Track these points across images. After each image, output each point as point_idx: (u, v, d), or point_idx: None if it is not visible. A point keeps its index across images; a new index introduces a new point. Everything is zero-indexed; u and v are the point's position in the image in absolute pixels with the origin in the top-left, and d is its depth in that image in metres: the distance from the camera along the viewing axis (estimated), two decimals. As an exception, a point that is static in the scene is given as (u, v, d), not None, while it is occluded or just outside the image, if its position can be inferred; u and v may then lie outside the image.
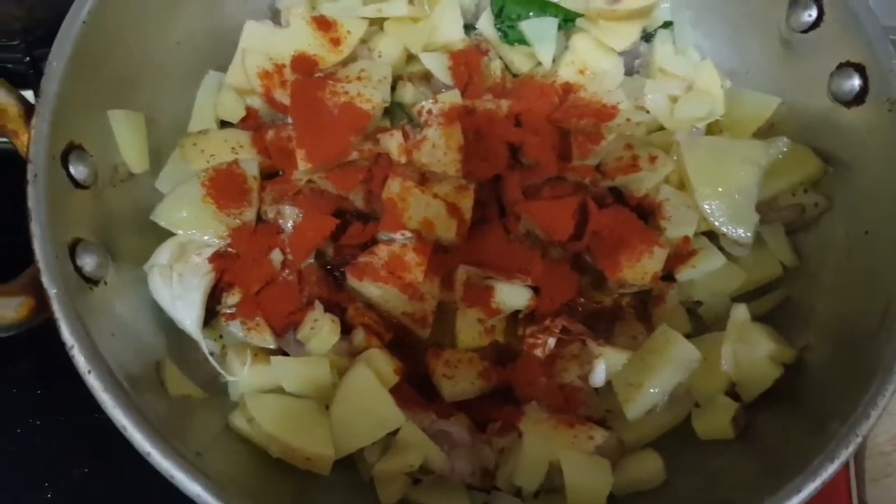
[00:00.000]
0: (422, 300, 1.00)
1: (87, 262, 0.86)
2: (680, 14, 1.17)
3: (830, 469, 0.76)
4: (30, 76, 1.20)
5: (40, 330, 0.81)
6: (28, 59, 1.21)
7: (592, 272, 1.06)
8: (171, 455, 0.74)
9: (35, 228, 0.79)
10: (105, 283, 0.88)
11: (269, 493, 0.85)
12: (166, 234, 0.98)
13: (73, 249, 0.84)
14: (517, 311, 1.03)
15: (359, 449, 0.91)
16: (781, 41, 1.08)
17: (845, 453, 0.77)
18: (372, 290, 1.00)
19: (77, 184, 0.88)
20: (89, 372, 0.76)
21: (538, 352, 1.00)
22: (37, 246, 0.79)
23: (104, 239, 0.91)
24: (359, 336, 0.98)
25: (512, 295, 1.01)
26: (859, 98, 0.97)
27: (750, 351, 0.94)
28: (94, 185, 0.91)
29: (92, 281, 0.86)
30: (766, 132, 1.09)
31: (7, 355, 1.15)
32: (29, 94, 1.14)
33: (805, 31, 1.03)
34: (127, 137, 0.97)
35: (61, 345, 0.78)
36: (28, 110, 0.87)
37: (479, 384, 0.99)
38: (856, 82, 0.97)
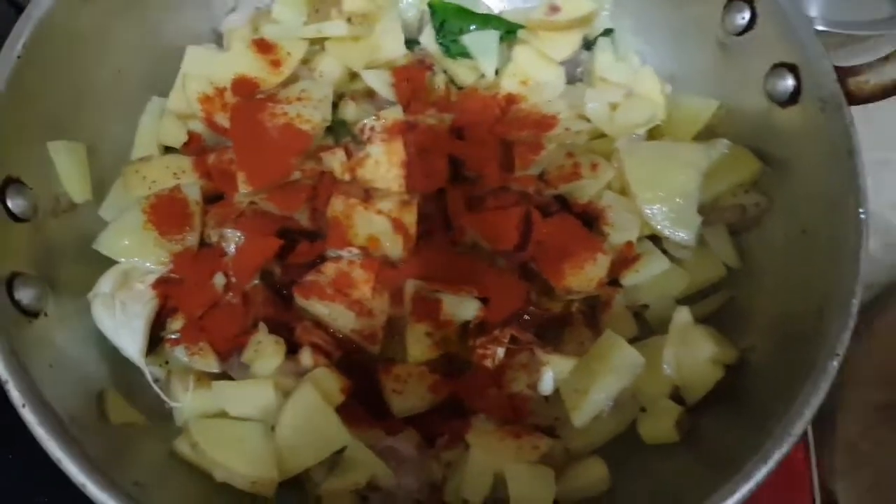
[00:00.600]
0: (370, 316, 1.01)
1: (26, 295, 0.86)
2: (620, 21, 1.18)
3: (763, 470, 0.76)
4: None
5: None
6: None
7: (540, 280, 1.06)
8: (108, 487, 0.75)
9: (-31, 264, 0.80)
10: (45, 315, 0.89)
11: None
12: (110, 263, 0.98)
13: (10, 283, 0.85)
14: (467, 323, 1.03)
15: (305, 469, 0.91)
16: (718, 44, 1.08)
17: (779, 453, 0.77)
18: (320, 308, 1.00)
19: (15, 217, 0.89)
20: (24, 406, 0.77)
21: (488, 362, 1.00)
22: (-29, 281, 0.79)
23: (45, 271, 0.91)
24: (306, 356, 0.98)
25: (460, 307, 1.02)
26: (793, 98, 0.97)
27: (692, 354, 0.95)
28: (33, 217, 0.92)
29: (31, 313, 0.86)
30: (705, 135, 1.09)
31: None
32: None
33: (740, 34, 1.04)
34: (68, 168, 0.98)
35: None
36: (-38, 146, 0.88)
37: (429, 398, 0.99)
38: (790, 82, 0.97)
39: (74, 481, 0.75)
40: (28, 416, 0.76)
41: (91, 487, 0.74)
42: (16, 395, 0.77)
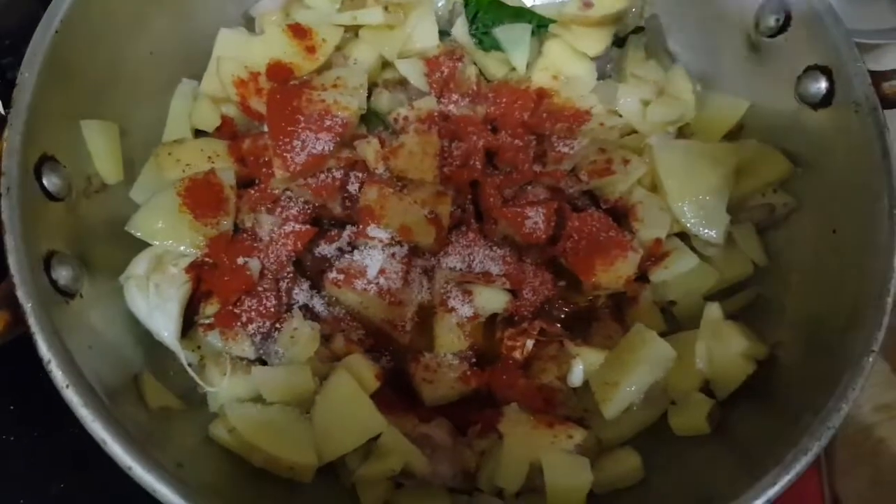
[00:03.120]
0: (401, 306, 1.01)
1: (63, 275, 0.85)
2: (651, 19, 1.19)
3: (803, 461, 0.78)
4: (-2, 86, 1.19)
5: (12, 342, 0.80)
6: (-4, 68, 1.20)
7: (567, 275, 1.07)
8: (154, 468, 0.74)
9: (9, 242, 0.78)
10: (81, 296, 0.87)
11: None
12: (141, 245, 0.97)
13: (47, 262, 0.83)
14: (495, 315, 1.04)
15: (341, 455, 0.91)
16: (750, 45, 1.10)
17: (817, 445, 0.79)
18: (350, 297, 1.00)
19: (51, 196, 0.88)
20: (67, 386, 0.76)
21: (517, 354, 1.01)
22: (11, 259, 0.78)
23: (79, 251, 0.90)
24: (338, 342, 0.98)
25: (490, 298, 1.02)
26: (826, 100, 0.99)
27: (723, 348, 0.96)
28: (67, 196, 0.91)
29: (67, 294, 0.85)
30: (735, 134, 1.11)
31: (-23, 370, 1.13)
32: (-3, 104, 1.13)
33: (773, 36, 1.05)
34: (100, 148, 0.97)
35: (35, 358, 0.77)
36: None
37: (459, 388, 0.99)
38: (822, 85, 0.99)
39: (120, 463, 0.74)
40: (72, 397, 0.75)
41: (138, 469, 0.73)
42: (59, 376, 0.76)
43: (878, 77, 0.95)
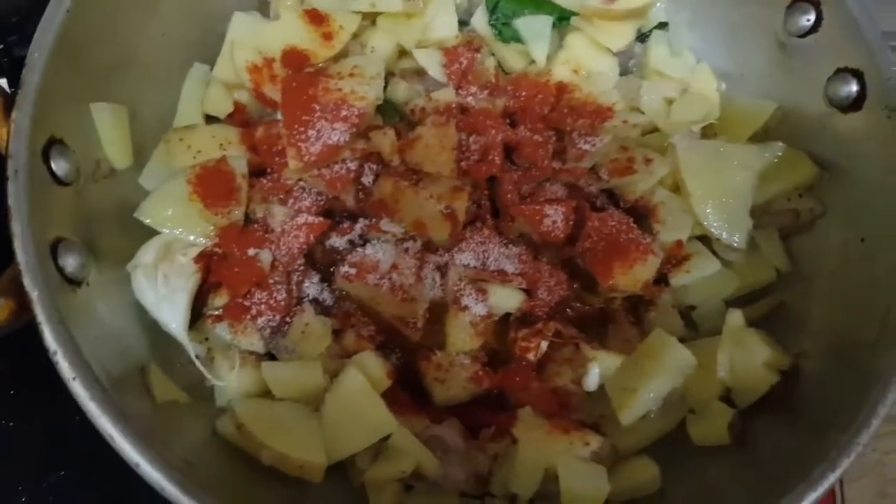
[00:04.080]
0: (413, 302, 0.98)
1: (70, 263, 0.82)
2: (676, 15, 1.16)
3: (832, 478, 0.76)
4: (3, 64, 1.16)
5: (14, 330, 0.78)
6: (1, 46, 1.17)
7: (582, 276, 1.04)
8: (162, 466, 0.72)
9: (16, 227, 0.76)
10: (87, 285, 0.85)
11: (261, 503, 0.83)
12: (150, 233, 0.95)
13: (54, 249, 0.81)
14: (508, 314, 1.01)
15: (350, 455, 0.89)
16: (778, 45, 1.07)
17: (846, 462, 0.77)
18: (362, 291, 0.98)
19: (58, 180, 0.85)
20: (74, 379, 0.73)
21: (530, 355, 0.99)
22: (17, 246, 0.76)
23: (86, 238, 0.87)
24: (349, 337, 0.96)
25: (505, 297, 1.00)
26: (856, 104, 0.96)
27: (746, 357, 0.94)
28: (75, 181, 0.88)
29: (74, 282, 0.83)
30: (761, 136, 1.08)
31: (-21, 357, 1.11)
32: (3, 83, 1.10)
33: (803, 36, 1.03)
34: (110, 132, 0.94)
35: (38, 345, 0.74)
36: (7, 102, 0.83)
37: (471, 388, 0.97)
38: (853, 88, 0.96)
39: (127, 460, 0.72)
40: (79, 389, 0.73)
41: (146, 467, 0.71)
42: (65, 368, 0.73)
43: (911, 82, 0.93)
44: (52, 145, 0.85)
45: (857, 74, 0.96)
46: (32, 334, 0.75)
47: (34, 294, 0.74)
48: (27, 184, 0.78)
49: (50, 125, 0.84)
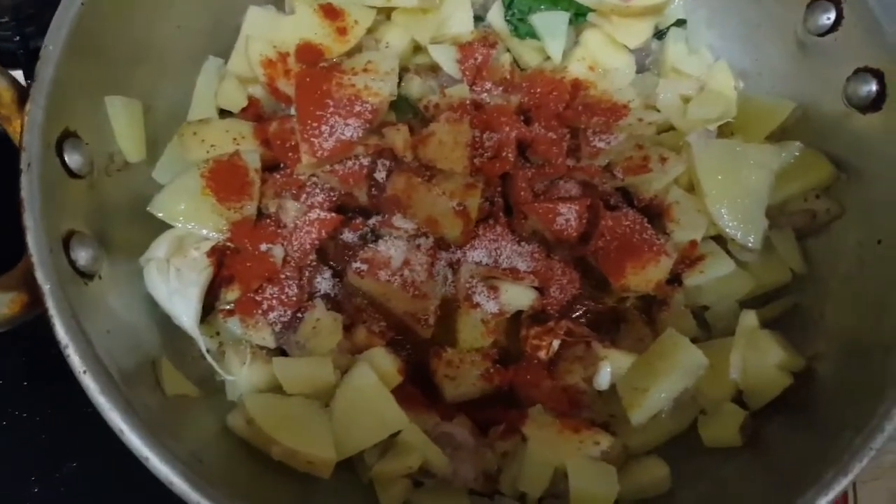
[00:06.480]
0: (424, 299, 0.98)
1: (82, 256, 0.83)
2: (694, 12, 1.14)
3: (844, 482, 0.75)
4: (19, 55, 1.17)
5: (27, 321, 0.78)
6: (18, 37, 1.17)
7: (594, 274, 1.03)
8: (171, 460, 0.72)
9: (28, 220, 0.76)
10: (99, 278, 0.85)
11: (270, 499, 0.83)
12: (162, 227, 0.95)
13: (67, 242, 0.81)
14: (519, 312, 1.01)
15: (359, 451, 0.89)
16: (797, 43, 1.05)
17: (859, 466, 0.76)
18: (374, 287, 0.98)
19: (72, 173, 0.85)
20: (84, 372, 0.73)
21: (542, 353, 0.98)
22: (30, 239, 0.76)
23: (99, 231, 0.88)
24: (360, 333, 0.96)
25: (517, 295, 0.99)
26: (876, 104, 0.95)
27: (759, 358, 0.93)
28: (88, 174, 0.88)
29: (86, 275, 0.83)
30: (778, 136, 1.07)
31: (-7, 348, 1.12)
32: (18, 74, 1.11)
33: (822, 35, 1.01)
34: (123, 125, 0.94)
35: (50, 337, 0.75)
36: (21, 95, 0.83)
37: (482, 385, 0.97)
38: (873, 88, 0.95)
39: (136, 453, 0.72)
40: (90, 383, 0.73)
41: (155, 461, 0.71)
42: (76, 361, 0.74)
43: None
44: (66, 138, 0.85)
45: (878, 74, 0.95)
46: (45, 327, 0.75)
47: (46, 287, 0.74)
48: (40, 176, 0.78)
49: (64, 118, 0.85)
